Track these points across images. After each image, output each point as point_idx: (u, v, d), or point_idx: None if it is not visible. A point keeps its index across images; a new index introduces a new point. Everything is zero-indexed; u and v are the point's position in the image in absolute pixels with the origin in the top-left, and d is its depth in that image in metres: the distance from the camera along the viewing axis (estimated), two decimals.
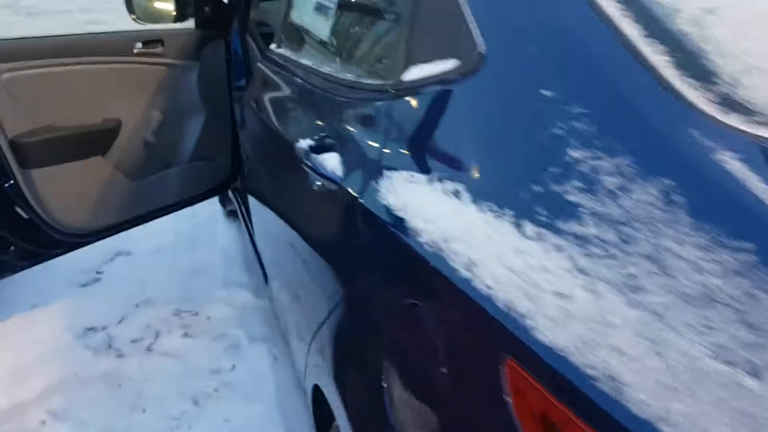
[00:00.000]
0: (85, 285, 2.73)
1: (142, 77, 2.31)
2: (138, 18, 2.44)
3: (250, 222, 2.55)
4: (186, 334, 2.39)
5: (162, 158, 2.47)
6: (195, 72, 2.47)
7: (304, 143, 1.15)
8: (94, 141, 2.19)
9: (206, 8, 2.47)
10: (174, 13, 2.47)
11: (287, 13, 1.68)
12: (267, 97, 1.65)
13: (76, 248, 2.36)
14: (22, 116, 1.99)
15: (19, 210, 2.12)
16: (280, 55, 1.64)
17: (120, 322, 2.48)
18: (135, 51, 2.26)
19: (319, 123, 1.20)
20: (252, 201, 1.91)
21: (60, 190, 2.14)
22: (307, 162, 1.13)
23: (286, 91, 1.51)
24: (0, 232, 2.11)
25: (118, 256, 2.95)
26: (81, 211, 2.25)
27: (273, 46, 1.73)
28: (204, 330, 2.42)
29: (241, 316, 2.51)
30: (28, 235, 2.19)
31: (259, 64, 1.74)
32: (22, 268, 2.23)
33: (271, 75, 1.66)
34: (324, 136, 1.12)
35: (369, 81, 1.07)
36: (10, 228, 2.13)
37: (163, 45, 2.33)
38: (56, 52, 2.05)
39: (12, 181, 2.02)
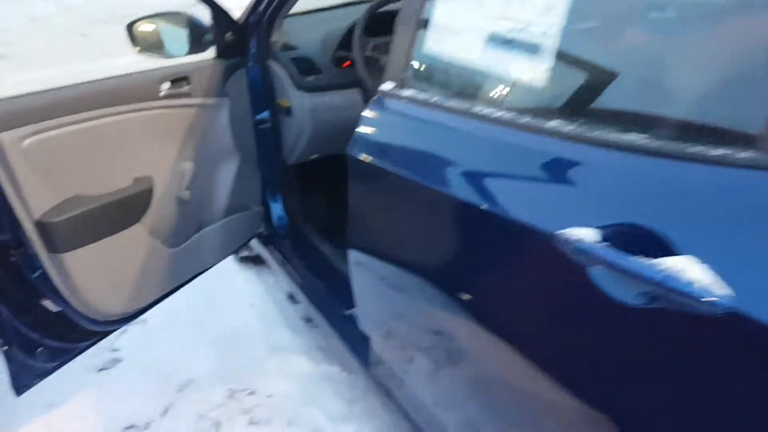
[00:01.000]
0: (103, 369, 2.30)
1: (169, 123, 1.92)
2: (143, 50, 2.04)
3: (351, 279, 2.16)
4: (252, 422, 2.02)
5: (196, 216, 2.09)
6: (224, 110, 2.09)
7: (589, 233, 0.85)
8: (128, 208, 1.79)
9: (228, 34, 2.10)
10: (188, 43, 2.09)
11: (417, 41, 1.34)
12: (413, 150, 1.30)
13: (106, 336, 1.97)
14: (46, 189, 1.59)
15: (47, 304, 1.72)
16: (416, 99, 1.31)
17: (165, 413, 2.08)
18: (162, 93, 1.87)
19: (605, 206, 0.89)
20: (369, 263, 1.56)
21: (94, 273, 1.74)
22: (603, 259, 0.82)
23: (468, 147, 1.18)
24: (25, 333, 1.70)
25: (131, 326, 2.51)
26: (118, 294, 1.85)
27: (388, 86, 1.40)
28: (271, 413, 2.05)
29: (306, 389, 2.15)
30: (57, 332, 1.79)
31: (396, 105, 1.36)
32: (50, 372, 1.82)
33: (416, 121, 1.32)
34: (645, 231, 0.80)
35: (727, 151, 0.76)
36: (37, 326, 1.73)
37: (189, 82, 1.95)
38: (77, 104, 1.65)
39: (40, 271, 1.62)
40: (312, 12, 2.59)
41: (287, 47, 2.33)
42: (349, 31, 2.23)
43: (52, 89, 1.65)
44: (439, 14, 1.29)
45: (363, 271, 1.61)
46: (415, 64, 1.36)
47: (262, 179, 2.39)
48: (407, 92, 1.35)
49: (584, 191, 0.94)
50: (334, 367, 2.27)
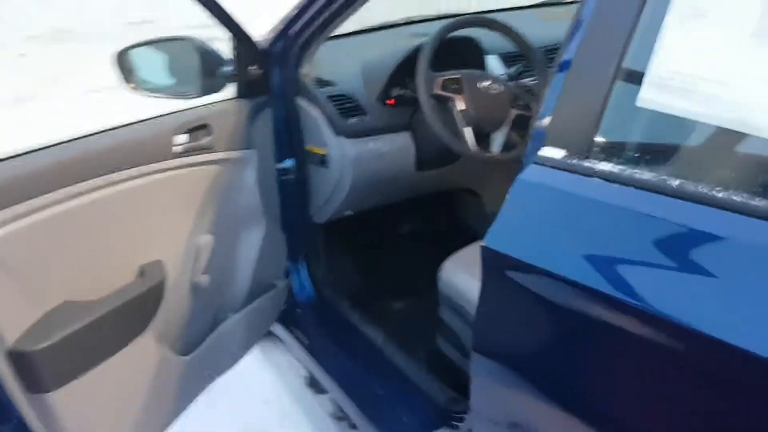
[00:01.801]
0: None
1: (184, 188, 1.43)
2: (139, 88, 1.53)
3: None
4: None
5: (213, 306, 1.58)
6: (251, 165, 1.61)
7: None
8: (135, 313, 1.28)
9: (252, 67, 1.61)
10: (199, 78, 1.58)
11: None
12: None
13: None
14: (22, 300, 1.07)
15: None
16: (618, 177, 0.85)
17: None
18: (177, 149, 1.37)
19: None
20: (511, 386, 1.07)
21: (90, 410, 1.23)
22: None
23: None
24: None
25: None
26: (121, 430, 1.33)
27: (556, 154, 0.93)
28: None
29: None
30: None
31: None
32: None
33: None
34: None
35: None
36: None
37: (209, 132, 1.46)
38: (61, 173, 1.14)
39: (15, 420, 1.10)
40: (339, 37, 2.10)
41: (321, 82, 1.85)
42: (405, 62, 1.76)
43: (23, 153, 1.13)
44: (667, 46, 0.84)
45: (497, 397, 1.13)
46: (613, 125, 0.90)
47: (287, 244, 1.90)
48: (598, 166, 0.89)
49: None
50: None
